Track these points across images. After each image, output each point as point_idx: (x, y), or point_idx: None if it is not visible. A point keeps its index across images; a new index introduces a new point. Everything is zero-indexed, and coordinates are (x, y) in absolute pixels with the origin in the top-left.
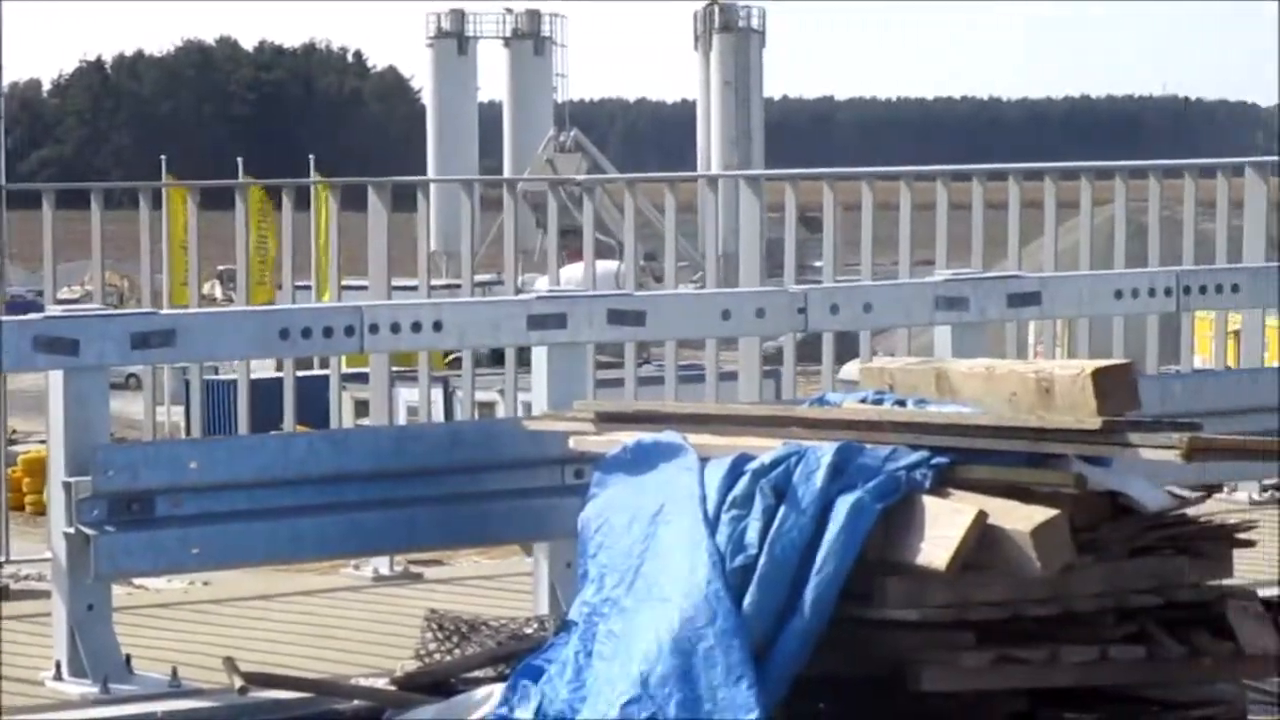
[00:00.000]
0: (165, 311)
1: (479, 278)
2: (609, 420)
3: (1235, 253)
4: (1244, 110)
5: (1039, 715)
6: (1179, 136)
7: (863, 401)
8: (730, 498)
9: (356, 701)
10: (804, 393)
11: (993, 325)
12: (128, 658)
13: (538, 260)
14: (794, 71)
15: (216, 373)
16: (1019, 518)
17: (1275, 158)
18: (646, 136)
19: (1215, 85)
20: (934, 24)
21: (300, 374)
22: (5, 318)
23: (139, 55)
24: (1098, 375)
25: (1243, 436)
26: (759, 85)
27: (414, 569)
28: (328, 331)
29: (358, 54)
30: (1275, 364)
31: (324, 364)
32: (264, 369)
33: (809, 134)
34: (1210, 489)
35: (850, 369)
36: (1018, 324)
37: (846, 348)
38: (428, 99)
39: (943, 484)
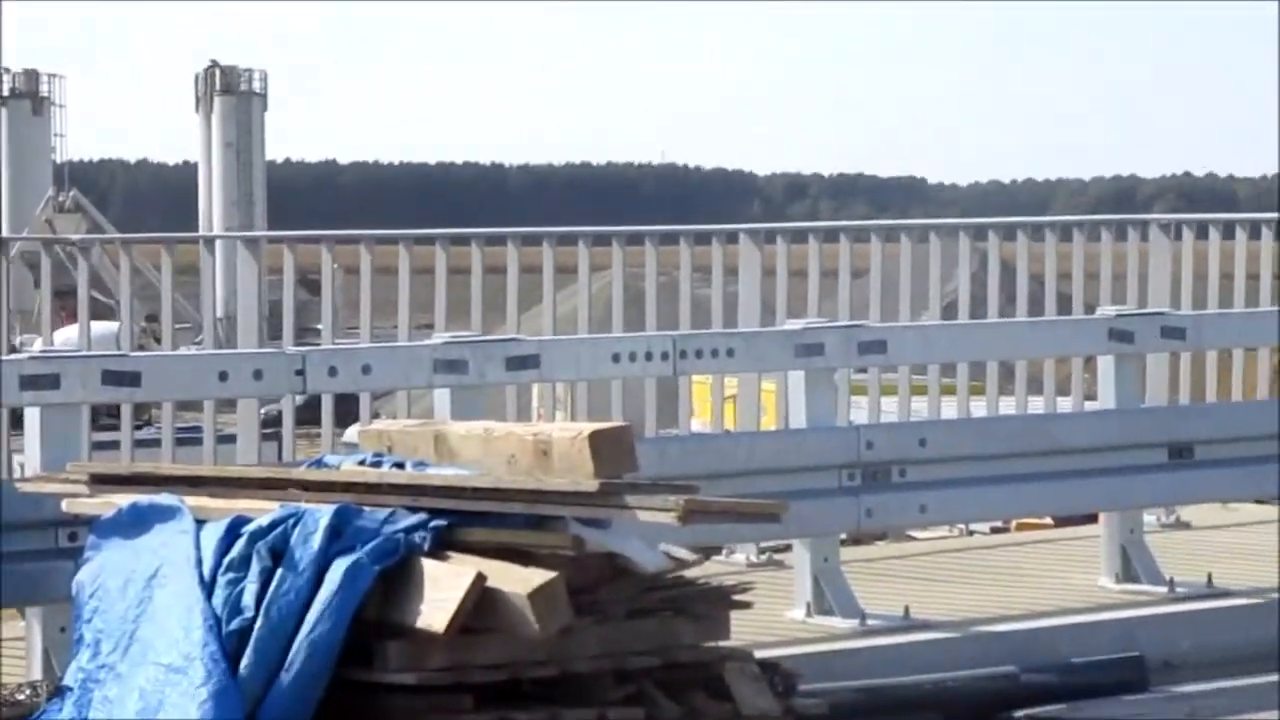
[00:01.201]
0: None
1: None
2: (103, 482)
3: (730, 317)
4: (741, 179)
5: None
6: (678, 204)
7: (362, 464)
8: (227, 560)
9: None
10: (306, 455)
11: (493, 388)
12: None
13: (35, 320)
14: (297, 134)
15: None
16: (517, 580)
17: (769, 224)
18: (148, 197)
19: (713, 154)
20: (439, 87)
21: None
22: None
23: None
24: (595, 438)
25: (737, 499)
26: (261, 147)
27: None
28: None
29: None
30: (772, 427)
31: None
32: None
33: (312, 196)
34: (709, 551)
35: (353, 432)
36: (518, 387)
37: (351, 410)
38: None
39: (442, 546)
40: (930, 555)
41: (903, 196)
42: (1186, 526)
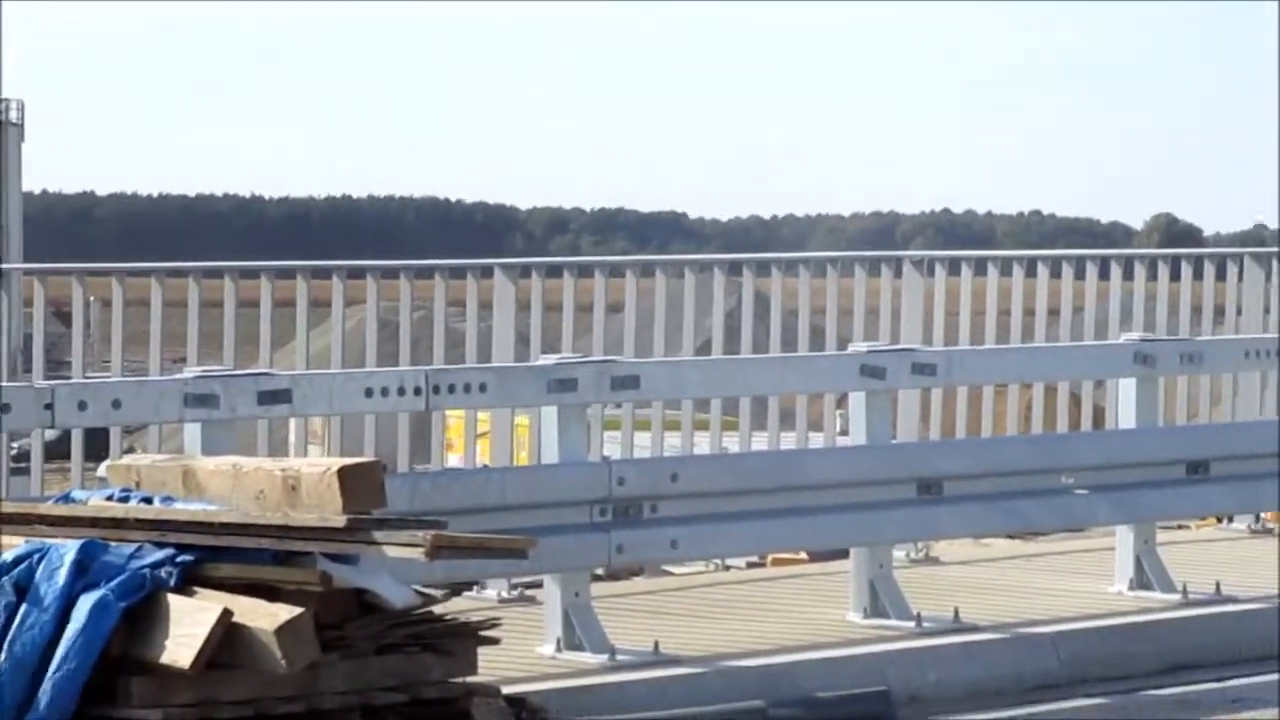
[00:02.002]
0: None
1: None
2: None
3: (485, 352)
4: (504, 212)
5: None
6: (442, 237)
7: (110, 499)
8: None
9: None
10: (57, 490)
11: (245, 423)
12: None
13: None
14: (55, 165)
15: None
16: (263, 616)
17: (533, 259)
18: None
19: (475, 188)
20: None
21: None
22: None
23: None
24: (343, 473)
25: (484, 535)
26: (18, 179)
27: None
28: None
29: None
30: (526, 462)
31: None
32: None
33: (69, 229)
34: (460, 587)
35: (105, 467)
36: (275, 422)
37: (107, 444)
38: None
39: (189, 582)
40: (682, 591)
41: (663, 231)
42: (936, 561)
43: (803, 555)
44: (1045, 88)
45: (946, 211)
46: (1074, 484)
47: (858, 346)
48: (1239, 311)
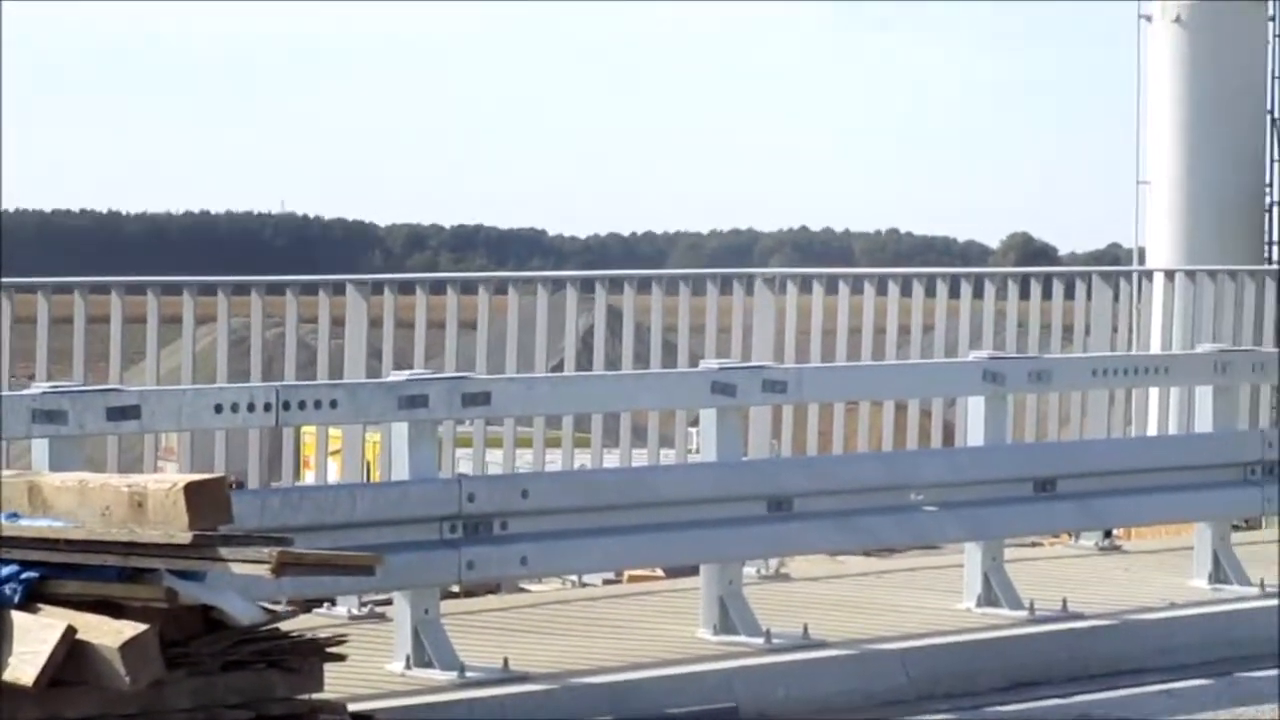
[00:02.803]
0: None
1: None
2: None
3: (337, 368)
4: (362, 229)
5: None
6: (300, 253)
7: None
8: None
9: None
10: None
11: (98, 440)
12: None
13: None
14: None
15: None
16: (108, 633)
17: (384, 275)
18: None
19: (335, 204)
20: (54, 130)
21: None
22: None
23: None
24: (190, 489)
25: (331, 552)
26: None
27: None
28: None
29: None
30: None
31: None
32: None
33: None
34: (310, 604)
35: None
36: (129, 439)
37: None
38: None
39: (34, 599)
40: (533, 607)
41: (523, 248)
42: (787, 578)
43: (659, 572)
44: (903, 105)
45: (804, 229)
46: (923, 501)
47: (709, 364)
48: (1087, 330)
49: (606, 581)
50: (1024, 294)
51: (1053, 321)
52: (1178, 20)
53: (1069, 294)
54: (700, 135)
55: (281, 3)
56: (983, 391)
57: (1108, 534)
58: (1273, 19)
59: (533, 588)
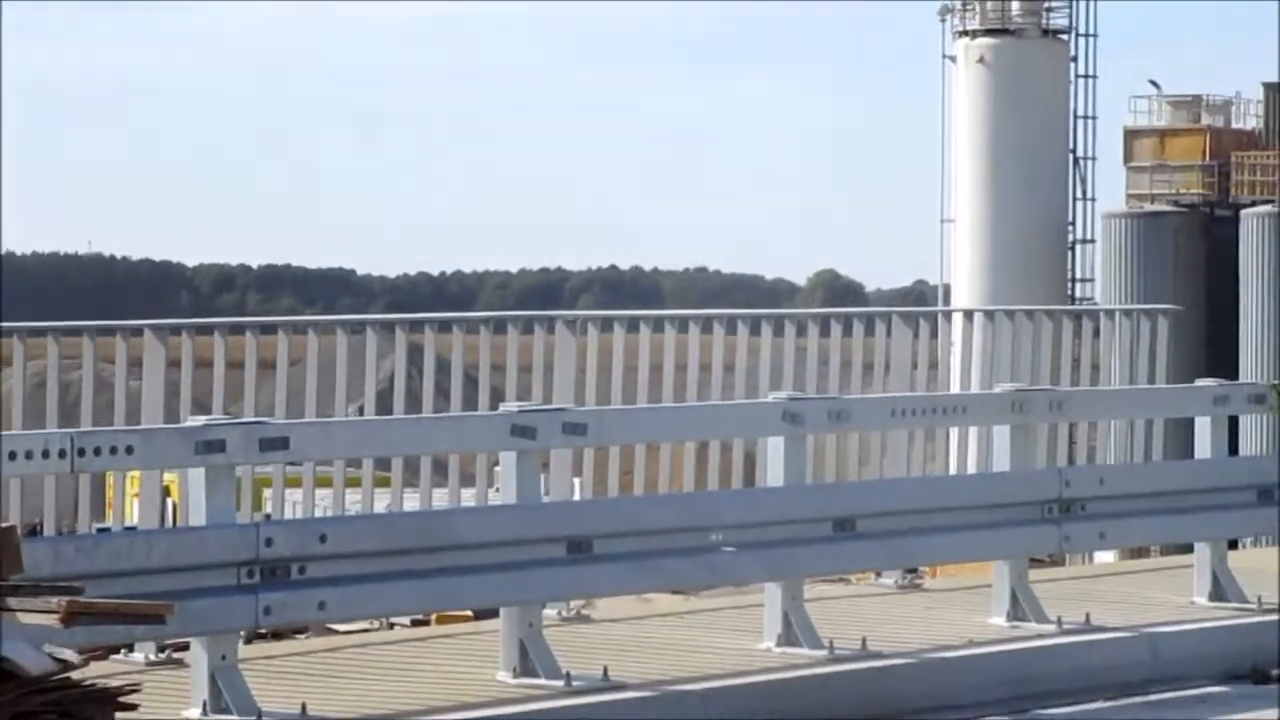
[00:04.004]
0: None
1: None
2: None
3: (135, 411)
4: (170, 269)
5: None
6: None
7: None
8: None
9: None
10: None
11: None
12: None
13: None
14: None
15: None
16: None
17: (182, 320)
18: None
19: (143, 245)
20: None
21: None
22: None
23: None
24: None
25: (121, 600)
26: None
27: None
28: None
29: None
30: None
31: None
32: None
33: None
34: (108, 650)
35: None
36: None
37: None
38: None
39: None
40: (333, 651)
41: (331, 288)
42: (588, 620)
43: (468, 614)
44: (712, 144)
45: (614, 268)
46: (722, 541)
47: (509, 406)
48: (887, 370)
49: (415, 623)
50: (824, 332)
51: (853, 360)
52: (981, 61)
53: (869, 331)
54: (509, 174)
55: (84, 38)
56: (782, 432)
57: (910, 572)
58: (1074, 59)
59: (341, 629)
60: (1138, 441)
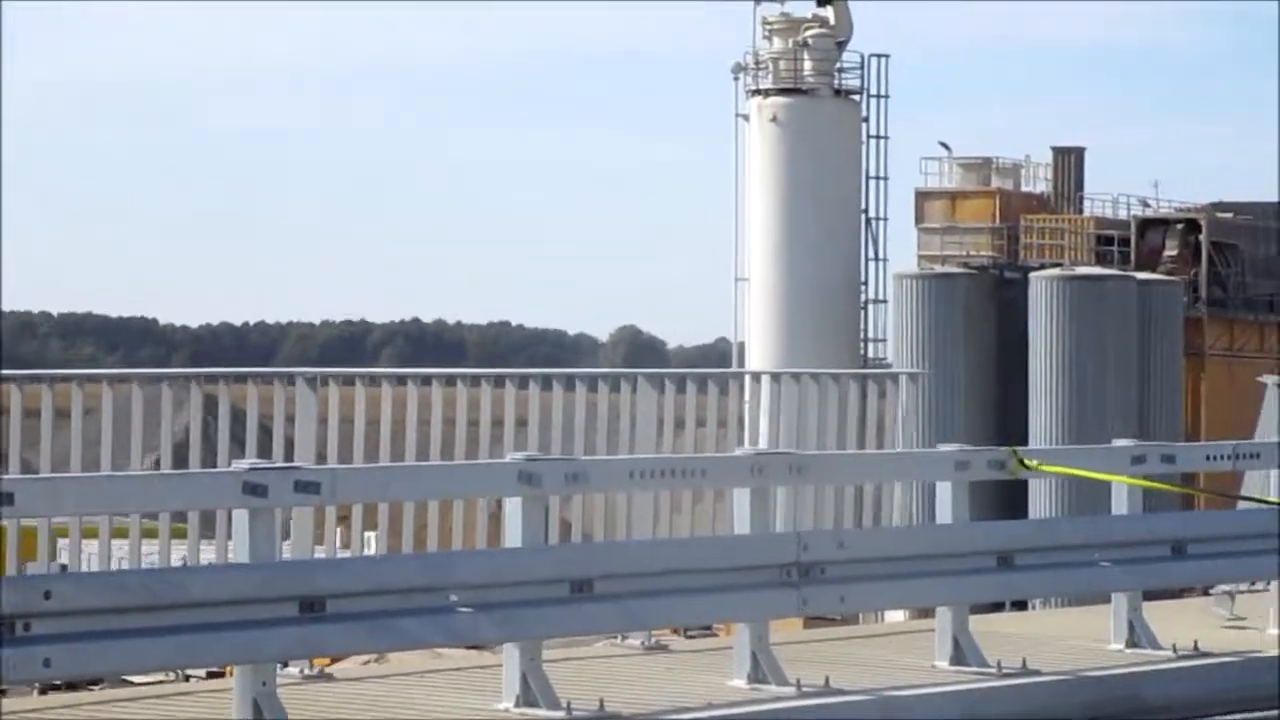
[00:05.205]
0: None
1: None
2: None
3: None
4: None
5: None
6: None
7: None
8: None
9: None
10: None
11: None
12: None
13: None
14: None
15: None
16: None
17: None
18: None
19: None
20: None
21: None
22: None
23: None
24: None
25: None
26: None
27: None
28: None
29: None
30: None
31: None
32: None
33: None
34: None
35: None
36: None
37: None
38: None
39: None
40: (72, 708)
41: (133, 337)
42: (330, 678)
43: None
44: (517, 196)
45: (417, 321)
46: (458, 602)
47: (239, 464)
48: (632, 427)
49: (159, 681)
50: (569, 386)
51: (598, 418)
52: (774, 120)
53: (615, 389)
54: (312, 226)
55: None
56: (519, 493)
57: (657, 633)
58: (866, 119)
59: (139, 680)
60: (924, 505)
